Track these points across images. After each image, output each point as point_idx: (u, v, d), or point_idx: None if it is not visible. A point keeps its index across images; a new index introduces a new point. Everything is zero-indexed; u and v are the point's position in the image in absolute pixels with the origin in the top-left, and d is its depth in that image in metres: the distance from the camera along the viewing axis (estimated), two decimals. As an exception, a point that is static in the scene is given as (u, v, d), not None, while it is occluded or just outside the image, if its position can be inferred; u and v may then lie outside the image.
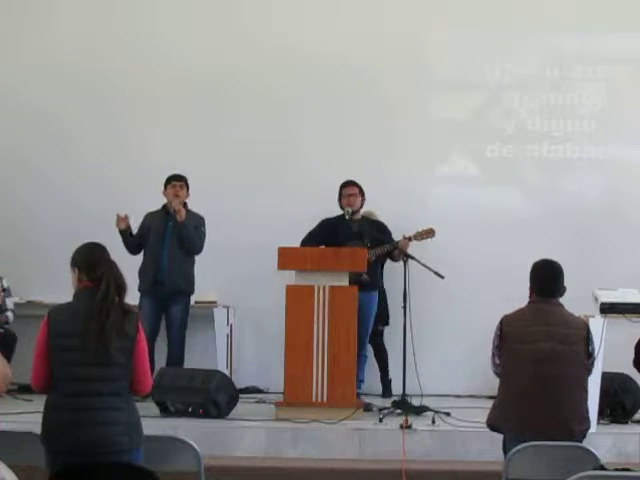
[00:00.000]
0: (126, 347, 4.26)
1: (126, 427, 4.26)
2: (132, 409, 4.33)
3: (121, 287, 4.32)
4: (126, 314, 4.30)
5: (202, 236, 8.23)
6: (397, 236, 8.27)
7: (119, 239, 8.04)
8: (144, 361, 4.37)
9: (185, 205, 8.23)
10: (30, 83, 9.40)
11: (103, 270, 4.32)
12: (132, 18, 9.45)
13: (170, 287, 8.09)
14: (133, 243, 8.13)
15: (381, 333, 8.76)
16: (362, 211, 8.45)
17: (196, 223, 8.21)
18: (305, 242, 8.08)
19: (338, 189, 8.26)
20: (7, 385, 4.03)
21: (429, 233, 8.20)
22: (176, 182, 8.20)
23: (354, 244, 7.89)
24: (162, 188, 8.24)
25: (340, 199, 8.23)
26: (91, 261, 4.39)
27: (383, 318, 8.71)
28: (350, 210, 8.10)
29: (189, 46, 9.33)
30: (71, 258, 4.49)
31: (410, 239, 8.12)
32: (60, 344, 4.27)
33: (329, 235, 8.03)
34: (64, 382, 4.28)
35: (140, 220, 8.28)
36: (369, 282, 7.86)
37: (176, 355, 8.13)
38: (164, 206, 8.28)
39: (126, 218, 8.07)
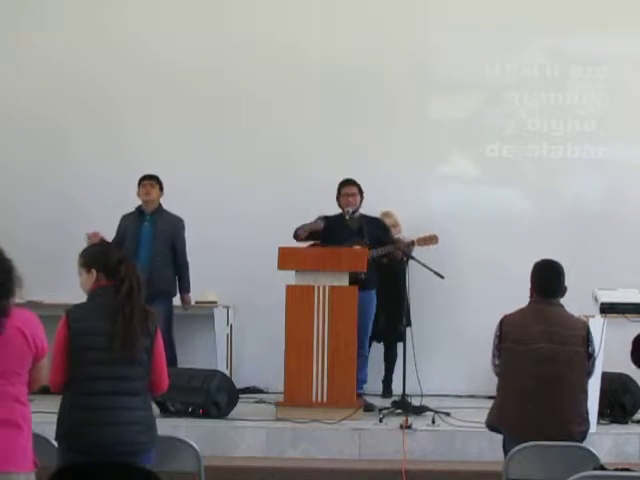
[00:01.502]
0: (148, 346, 4.29)
1: (144, 426, 4.28)
2: (150, 408, 4.36)
3: (142, 287, 4.35)
4: (147, 313, 4.33)
5: (181, 244, 8.23)
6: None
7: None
8: (163, 360, 4.42)
9: (160, 206, 8.26)
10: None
11: (127, 271, 4.33)
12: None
13: (150, 289, 8.07)
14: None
15: (400, 335, 8.70)
16: (381, 211, 8.54)
17: (175, 228, 8.22)
18: (300, 229, 8.01)
19: (337, 186, 8.24)
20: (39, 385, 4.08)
21: (432, 239, 8.17)
22: (146, 181, 8.24)
23: (354, 242, 7.86)
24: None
25: (338, 198, 8.19)
26: (113, 262, 4.38)
27: (406, 319, 8.62)
28: (350, 210, 8.08)
29: (183, 46, 9.33)
30: (83, 260, 4.45)
31: (413, 243, 8.09)
32: (82, 343, 4.25)
33: (327, 233, 7.99)
34: (85, 381, 4.26)
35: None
36: (368, 281, 7.81)
37: (168, 355, 8.10)
38: (138, 207, 8.30)
39: (96, 235, 8.02)
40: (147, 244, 8.18)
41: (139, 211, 8.30)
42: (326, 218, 8.12)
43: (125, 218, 8.32)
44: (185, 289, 8.25)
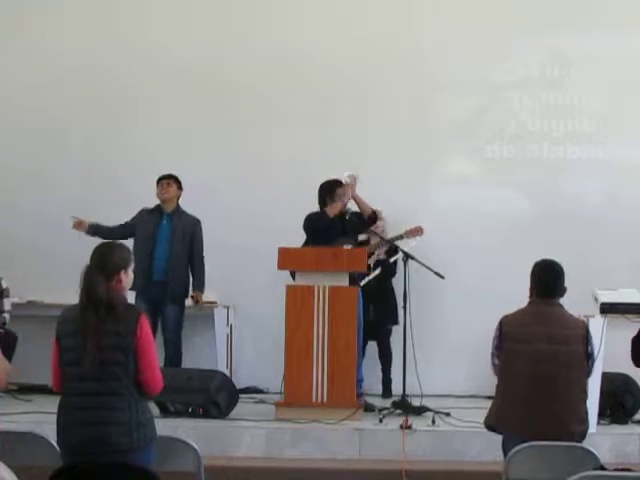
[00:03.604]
0: (123, 345, 4.26)
1: (126, 427, 4.26)
2: (137, 409, 4.31)
3: (85, 292, 4.33)
4: (121, 312, 4.30)
5: (199, 246, 8.25)
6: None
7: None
8: (148, 360, 4.34)
9: (178, 206, 8.28)
10: (28, 83, 9.41)
11: (84, 275, 4.38)
12: (131, 18, 9.45)
13: (169, 288, 8.10)
14: (114, 233, 8.04)
15: (389, 333, 8.76)
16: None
17: (194, 229, 8.23)
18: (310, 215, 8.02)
19: (325, 187, 8.06)
20: (7, 380, 4.10)
21: (418, 231, 8.21)
22: (163, 180, 8.25)
23: (341, 242, 7.84)
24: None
25: (331, 196, 8.05)
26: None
27: (392, 317, 8.69)
28: (351, 210, 8.08)
29: (188, 46, 9.34)
30: None
31: (401, 236, 8.13)
32: (63, 344, 4.35)
33: (316, 230, 7.96)
34: (67, 382, 4.35)
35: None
36: (353, 279, 7.78)
37: (174, 356, 8.14)
38: (158, 205, 8.29)
39: (81, 224, 8.07)
40: (165, 243, 8.17)
41: (159, 209, 8.30)
42: (316, 216, 8.08)
43: (144, 211, 8.28)
44: (199, 287, 8.24)
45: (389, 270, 8.63)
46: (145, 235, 8.13)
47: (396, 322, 8.68)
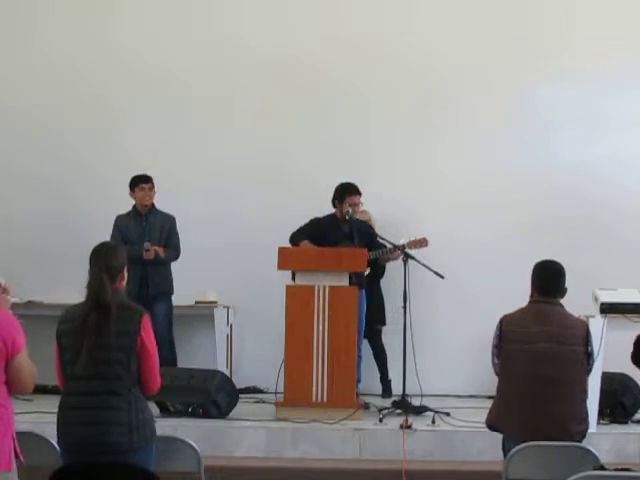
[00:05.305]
0: (126, 345, 4.27)
1: (125, 427, 4.26)
2: (136, 409, 4.31)
3: (95, 294, 4.33)
4: (123, 312, 4.31)
5: (175, 238, 8.28)
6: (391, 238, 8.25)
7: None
8: (149, 360, 4.37)
9: (153, 206, 8.28)
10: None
11: (92, 272, 4.36)
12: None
13: (153, 287, 8.11)
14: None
15: (379, 333, 8.76)
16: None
17: (170, 225, 8.27)
18: (295, 236, 8.01)
19: (338, 190, 8.16)
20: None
21: (422, 243, 8.15)
22: (145, 185, 8.21)
23: (344, 245, 7.84)
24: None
25: (340, 201, 8.12)
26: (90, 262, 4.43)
27: (381, 318, 8.71)
28: (351, 212, 8.06)
29: (185, 47, 9.35)
30: None
31: (403, 247, 8.06)
32: (62, 344, 4.36)
33: (319, 235, 7.97)
34: (66, 381, 4.36)
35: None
36: (357, 281, 7.78)
37: (168, 353, 8.14)
38: (134, 207, 8.30)
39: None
40: (146, 243, 8.17)
41: (136, 211, 8.29)
42: (318, 221, 8.09)
43: (122, 218, 8.30)
44: (163, 255, 8.17)
45: (378, 271, 8.64)
46: (132, 239, 8.12)
47: (384, 323, 8.70)
